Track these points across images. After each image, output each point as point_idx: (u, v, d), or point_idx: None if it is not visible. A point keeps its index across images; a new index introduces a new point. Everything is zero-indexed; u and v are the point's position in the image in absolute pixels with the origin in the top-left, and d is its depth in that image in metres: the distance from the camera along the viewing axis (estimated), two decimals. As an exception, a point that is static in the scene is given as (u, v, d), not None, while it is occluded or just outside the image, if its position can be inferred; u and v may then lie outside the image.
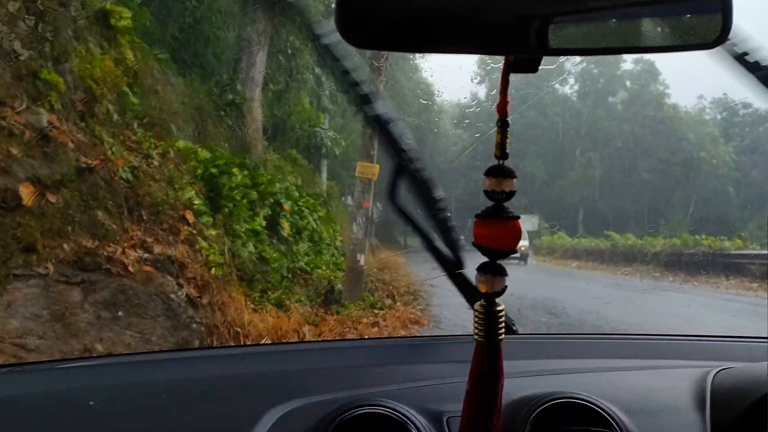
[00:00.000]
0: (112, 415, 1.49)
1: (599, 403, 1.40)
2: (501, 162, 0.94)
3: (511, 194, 0.93)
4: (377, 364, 1.87)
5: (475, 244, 0.96)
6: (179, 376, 1.74)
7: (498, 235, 0.94)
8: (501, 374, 0.98)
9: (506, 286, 0.96)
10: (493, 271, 0.95)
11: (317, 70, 19.11)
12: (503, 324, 0.97)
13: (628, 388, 1.59)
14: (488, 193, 0.94)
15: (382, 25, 0.86)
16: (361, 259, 10.75)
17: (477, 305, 0.97)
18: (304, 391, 1.54)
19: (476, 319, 0.97)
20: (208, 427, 1.44)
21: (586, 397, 1.41)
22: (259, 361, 1.92)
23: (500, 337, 0.97)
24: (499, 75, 0.96)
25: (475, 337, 0.98)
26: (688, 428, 1.43)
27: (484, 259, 0.97)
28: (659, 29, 0.93)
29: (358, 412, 1.33)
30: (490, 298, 0.96)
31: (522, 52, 0.91)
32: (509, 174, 0.93)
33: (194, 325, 6.32)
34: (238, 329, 7.02)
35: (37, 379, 1.73)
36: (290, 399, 1.48)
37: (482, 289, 0.96)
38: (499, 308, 0.96)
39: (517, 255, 22.95)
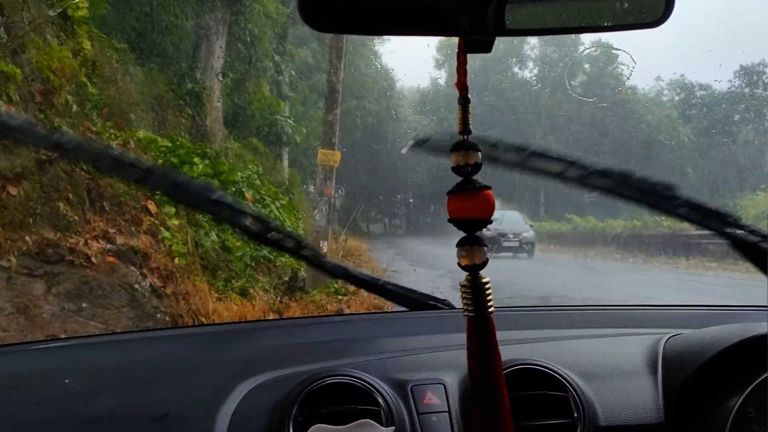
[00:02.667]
0: (87, 392, 1.52)
1: (556, 369, 1.48)
2: (465, 137, 0.96)
3: (477, 167, 0.95)
4: (343, 338, 1.92)
5: (450, 220, 0.96)
6: (151, 354, 1.78)
7: (470, 206, 0.95)
8: (496, 346, 0.98)
9: (487, 259, 0.96)
10: (471, 242, 0.95)
11: (276, 58, 19.00)
12: (491, 296, 0.97)
13: (584, 355, 1.65)
14: (456, 169, 0.95)
15: (342, 9, 0.87)
16: (324, 246, 10.75)
17: (462, 280, 0.97)
18: (273, 365, 1.58)
19: (463, 294, 0.97)
20: (180, 401, 1.47)
21: (543, 364, 1.48)
22: (229, 339, 1.96)
23: (490, 310, 0.96)
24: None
25: (465, 313, 0.97)
26: (641, 390, 1.51)
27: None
28: (609, 8, 0.96)
29: (326, 382, 1.38)
30: (474, 271, 0.96)
31: (479, 34, 0.93)
32: (474, 147, 0.95)
33: (159, 315, 6.32)
34: (203, 318, 7.02)
35: (13, 359, 1.76)
36: (260, 373, 1.53)
37: (463, 262, 0.96)
38: (484, 280, 0.96)
39: (515, 244, 21.83)
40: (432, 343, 1.73)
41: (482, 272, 0.98)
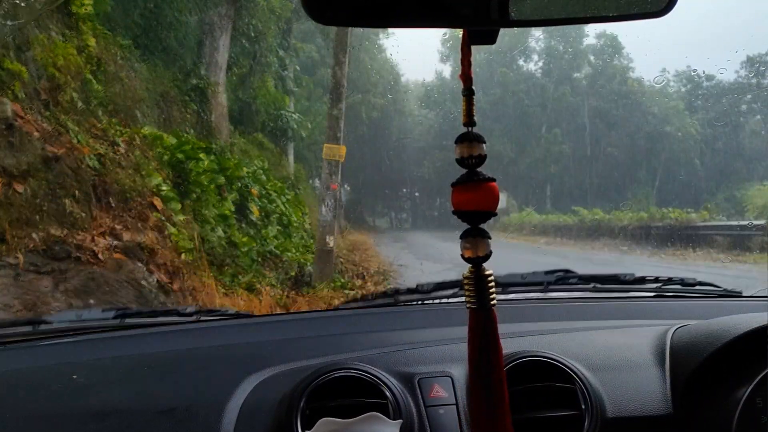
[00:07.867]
0: (94, 387, 1.52)
1: (563, 361, 1.47)
2: (469, 128, 0.94)
3: (482, 158, 0.93)
4: (350, 332, 1.91)
5: (455, 212, 0.95)
6: (157, 349, 1.78)
7: (475, 198, 0.93)
8: (497, 340, 0.96)
9: (491, 251, 0.95)
10: (475, 234, 0.94)
11: (281, 53, 19.00)
12: (494, 289, 0.95)
13: (591, 347, 1.64)
14: (461, 160, 0.94)
15: (345, 1, 0.87)
16: (331, 240, 10.75)
17: (465, 272, 0.96)
18: (280, 359, 1.58)
19: (466, 287, 0.96)
20: (187, 395, 1.47)
21: (550, 355, 1.48)
22: (235, 333, 1.95)
23: (492, 303, 0.95)
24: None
25: (468, 305, 0.96)
26: (649, 382, 1.50)
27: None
28: None
29: (333, 376, 1.37)
30: (477, 263, 0.95)
31: (483, 25, 0.92)
32: (478, 139, 0.94)
33: (166, 311, 6.33)
34: (210, 314, 7.04)
35: (21, 355, 1.77)
36: (266, 367, 1.53)
37: (467, 254, 0.94)
38: (487, 273, 0.95)
39: None
40: (439, 336, 1.73)
41: (486, 264, 0.96)
